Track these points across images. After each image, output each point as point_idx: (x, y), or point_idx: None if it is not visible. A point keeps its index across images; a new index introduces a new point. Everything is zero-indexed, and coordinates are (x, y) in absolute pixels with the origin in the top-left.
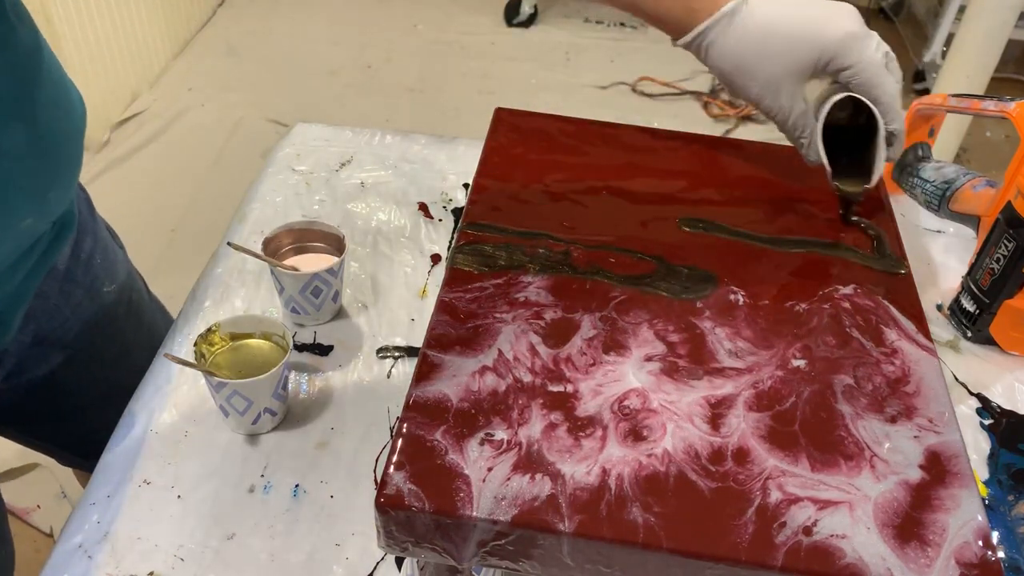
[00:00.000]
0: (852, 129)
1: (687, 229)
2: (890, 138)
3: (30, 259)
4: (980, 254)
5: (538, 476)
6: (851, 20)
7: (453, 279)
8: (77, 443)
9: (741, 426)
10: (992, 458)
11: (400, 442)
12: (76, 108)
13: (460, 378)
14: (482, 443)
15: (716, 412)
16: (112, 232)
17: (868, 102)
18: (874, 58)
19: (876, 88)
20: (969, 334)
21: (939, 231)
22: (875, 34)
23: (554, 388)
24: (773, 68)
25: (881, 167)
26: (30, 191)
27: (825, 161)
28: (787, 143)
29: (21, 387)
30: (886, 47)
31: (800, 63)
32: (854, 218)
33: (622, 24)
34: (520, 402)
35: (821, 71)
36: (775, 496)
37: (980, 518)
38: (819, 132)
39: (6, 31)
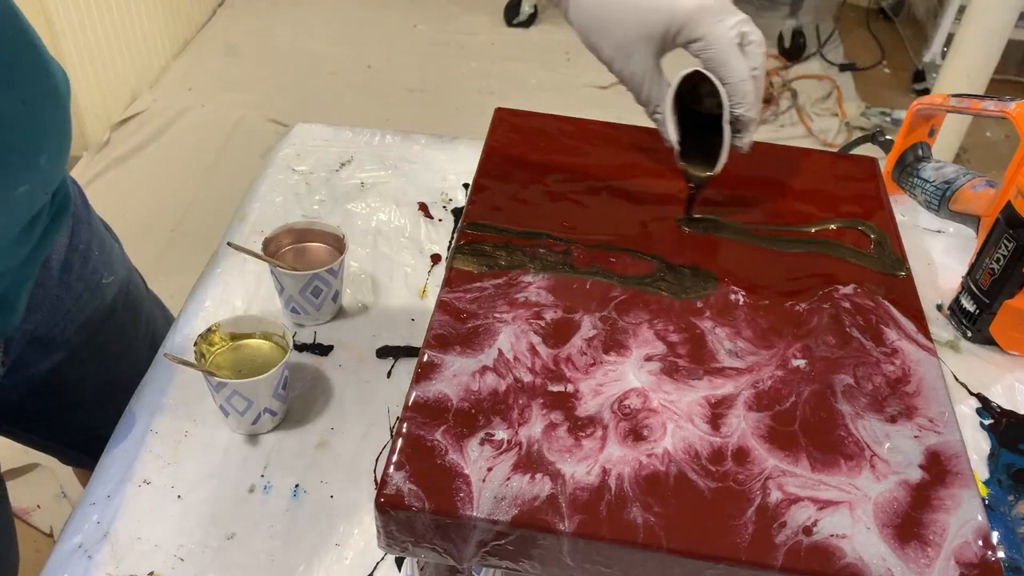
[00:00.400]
0: (719, 115)
1: (687, 229)
2: (737, 123)
3: (31, 236)
4: (980, 254)
5: (538, 476)
6: None
7: (453, 279)
8: (78, 440)
9: (741, 426)
10: (992, 458)
11: (400, 442)
12: (57, 75)
13: (460, 378)
14: (482, 443)
15: (716, 412)
16: (106, 226)
17: (716, 81)
18: (725, 35)
19: (723, 67)
20: (969, 334)
21: (939, 231)
22: (737, 13)
23: (554, 388)
24: (624, 31)
25: (725, 153)
26: (21, 155)
27: (673, 139)
28: (788, 144)
29: (24, 382)
30: (748, 28)
31: (650, 29)
32: (694, 215)
33: None
34: (520, 402)
35: (672, 41)
36: (775, 496)
37: (980, 518)
38: (669, 106)
39: None
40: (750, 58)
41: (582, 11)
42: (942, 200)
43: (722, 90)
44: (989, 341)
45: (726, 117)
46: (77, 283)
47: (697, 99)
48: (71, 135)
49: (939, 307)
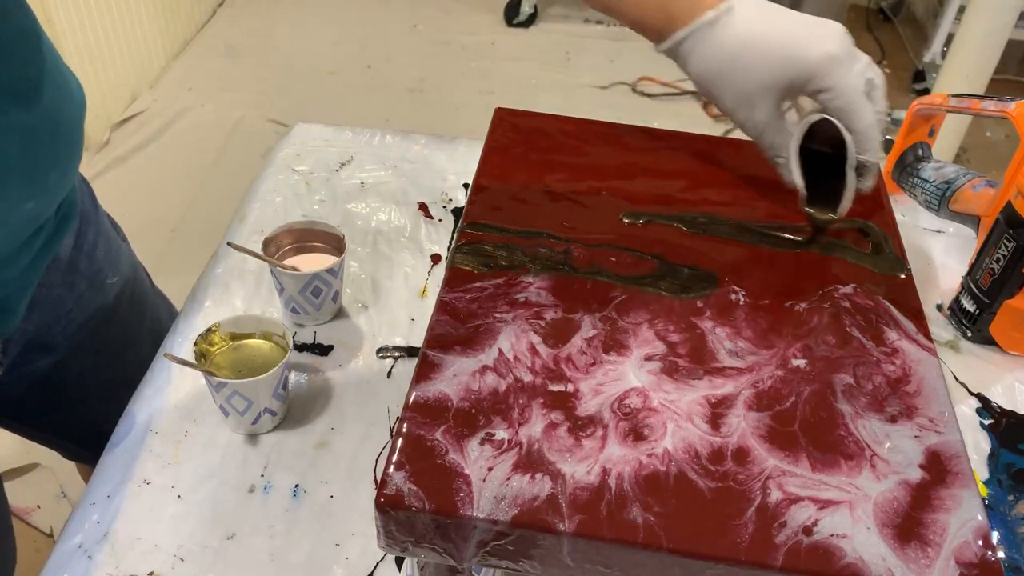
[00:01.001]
0: (836, 156)
1: (684, 228)
2: (862, 169)
3: (34, 246)
4: (980, 254)
5: (538, 476)
6: (835, 42)
7: (453, 279)
8: (81, 435)
9: (741, 426)
10: (992, 458)
11: (400, 442)
12: (75, 94)
13: (460, 378)
14: (482, 443)
15: (716, 412)
16: (115, 224)
17: (842, 128)
18: (853, 84)
19: (852, 116)
20: (969, 334)
21: (939, 231)
22: (863, 58)
23: (554, 388)
24: (747, 83)
25: (849, 197)
26: (30, 174)
27: (800, 184)
28: None
29: (24, 379)
30: (873, 73)
31: (776, 80)
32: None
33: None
34: (520, 402)
35: (799, 91)
36: (775, 496)
37: (980, 518)
38: (794, 153)
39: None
40: (875, 103)
41: (705, 61)
42: (942, 200)
43: (848, 138)
44: (989, 341)
45: (851, 163)
46: (80, 283)
47: (810, 136)
48: (82, 150)
49: (939, 307)
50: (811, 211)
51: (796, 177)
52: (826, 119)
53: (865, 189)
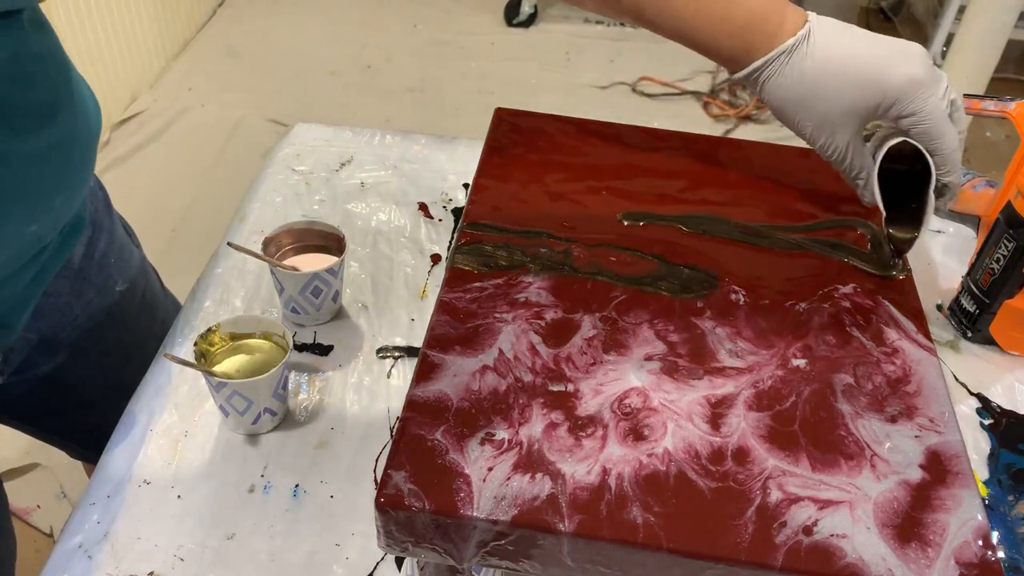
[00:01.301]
0: (908, 172)
1: (684, 228)
2: (943, 189)
3: (35, 265)
4: (980, 254)
5: (538, 476)
6: (917, 65)
7: (453, 279)
8: (88, 437)
9: (741, 425)
10: (992, 458)
11: (400, 442)
12: (92, 115)
13: (460, 378)
14: (483, 443)
15: (716, 412)
16: (129, 230)
17: (925, 151)
18: (938, 107)
19: (936, 140)
20: (969, 334)
21: (939, 231)
22: (943, 78)
23: (555, 387)
24: (829, 108)
25: (930, 217)
26: (35, 197)
27: (880, 205)
28: (787, 143)
29: (27, 382)
30: (954, 94)
31: (859, 106)
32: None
33: (622, 24)
34: (521, 401)
35: (882, 115)
36: (775, 496)
37: (980, 518)
38: (875, 175)
39: (18, 41)
40: (957, 124)
41: (782, 89)
42: None
43: (931, 161)
44: (989, 341)
45: (933, 185)
46: (89, 291)
47: (891, 159)
48: (93, 171)
49: (939, 307)
50: (892, 231)
51: (877, 199)
52: (907, 141)
53: (945, 208)
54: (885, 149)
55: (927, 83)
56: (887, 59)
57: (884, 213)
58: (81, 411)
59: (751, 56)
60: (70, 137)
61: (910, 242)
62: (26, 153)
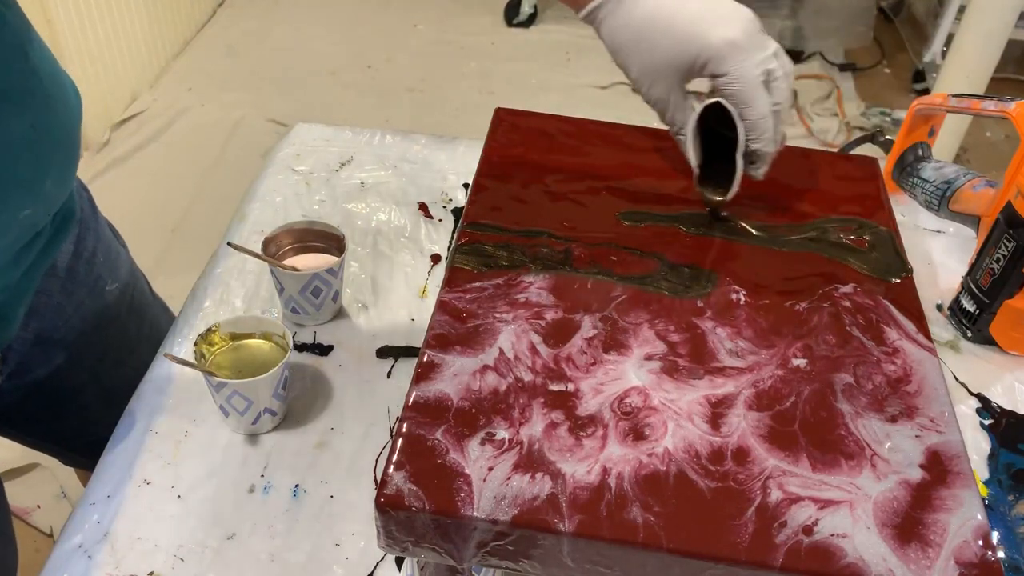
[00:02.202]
0: (731, 138)
1: (684, 229)
2: (753, 155)
3: (31, 253)
4: (980, 254)
5: (539, 475)
6: (737, 27)
7: (453, 279)
8: (80, 442)
9: (741, 425)
10: (992, 458)
11: (400, 442)
12: (71, 98)
13: (461, 377)
14: (483, 442)
15: (716, 411)
16: (114, 231)
17: (735, 114)
18: (749, 73)
19: (745, 104)
20: (969, 334)
21: (939, 231)
22: (769, 47)
23: (555, 387)
24: (651, 57)
25: (737, 182)
26: (26, 181)
27: (694, 163)
28: (787, 144)
29: (23, 387)
30: (774, 64)
31: (677, 59)
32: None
33: None
34: (521, 401)
35: (699, 72)
36: (775, 496)
37: (980, 518)
38: (691, 132)
39: None
40: (774, 94)
41: (614, 32)
42: (942, 200)
43: (740, 124)
44: (989, 341)
45: (741, 149)
46: (79, 290)
47: (722, 123)
48: (79, 155)
49: (939, 307)
50: (703, 190)
51: (691, 156)
52: (719, 102)
53: (758, 176)
54: (700, 108)
55: (744, 46)
56: (711, 20)
57: (696, 172)
58: (75, 416)
59: None
60: (50, 119)
61: (718, 204)
62: (7, 138)
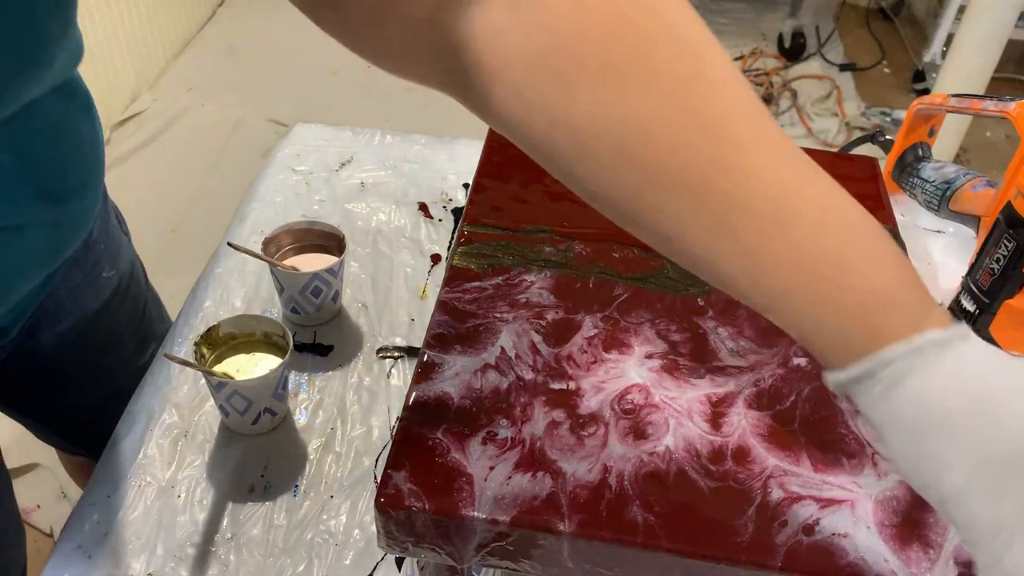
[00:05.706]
0: None
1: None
2: None
3: (35, 284)
4: (980, 254)
5: (539, 475)
6: None
7: (453, 279)
8: (69, 429)
9: (742, 424)
10: None
11: (400, 442)
12: (99, 192)
13: (462, 376)
14: (484, 441)
15: (717, 410)
16: (120, 217)
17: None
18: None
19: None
20: None
21: (939, 231)
22: None
23: (556, 385)
24: (996, 448)
25: None
26: (50, 257)
27: None
28: None
29: (11, 366)
30: None
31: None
32: None
33: None
34: (522, 400)
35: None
36: (776, 495)
37: None
38: None
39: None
40: None
41: (911, 408)
42: (942, 200)
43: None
44: (989, 341)
45: None
46: (76, 275)
47: None
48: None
49: None
50: None
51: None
52: None
53: None
54: None
55: None
56: None
57: None
58: (63, 399)
59: (873, 343)
60: (81, 214)
61: None
62: (39, 223)
